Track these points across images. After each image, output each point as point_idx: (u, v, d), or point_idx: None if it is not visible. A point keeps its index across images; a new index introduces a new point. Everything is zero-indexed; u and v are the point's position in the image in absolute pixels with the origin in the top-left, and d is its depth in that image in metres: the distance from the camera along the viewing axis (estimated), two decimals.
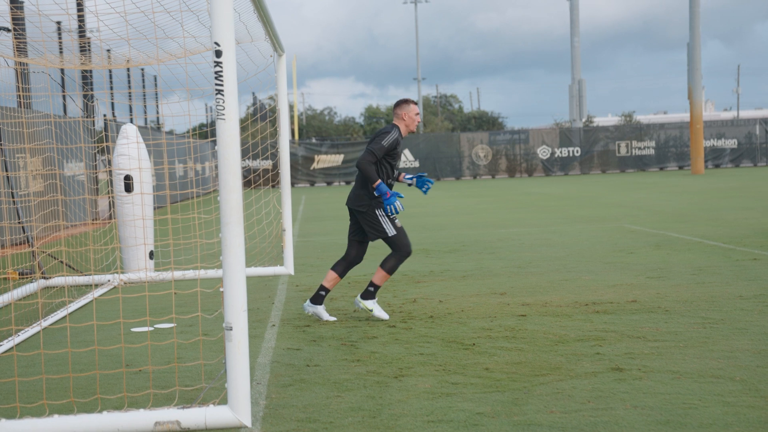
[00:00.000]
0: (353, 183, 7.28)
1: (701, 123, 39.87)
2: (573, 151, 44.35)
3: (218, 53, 4.50)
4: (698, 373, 5.24)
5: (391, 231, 7.21)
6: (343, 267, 7.42)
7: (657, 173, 41.50)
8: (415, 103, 7.43)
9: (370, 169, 7.07)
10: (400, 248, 7.21)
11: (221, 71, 4.51)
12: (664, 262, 10.24)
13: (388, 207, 7.10)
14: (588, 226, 15.40)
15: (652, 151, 44.61)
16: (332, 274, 7.39)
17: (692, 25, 40.03)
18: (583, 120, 51.00)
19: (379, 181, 7.04)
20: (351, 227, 7.46)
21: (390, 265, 7.23)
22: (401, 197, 7.25)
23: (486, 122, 72.12)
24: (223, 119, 4.55)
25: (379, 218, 7.18)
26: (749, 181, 29.25)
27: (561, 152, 44.36)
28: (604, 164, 44.46)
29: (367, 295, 7.32)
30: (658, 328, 6.60)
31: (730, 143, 44.72)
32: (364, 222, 7.23)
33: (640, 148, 44.56)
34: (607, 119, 76.46)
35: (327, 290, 7.41)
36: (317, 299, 7.41)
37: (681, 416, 4.45)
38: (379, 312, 7.32)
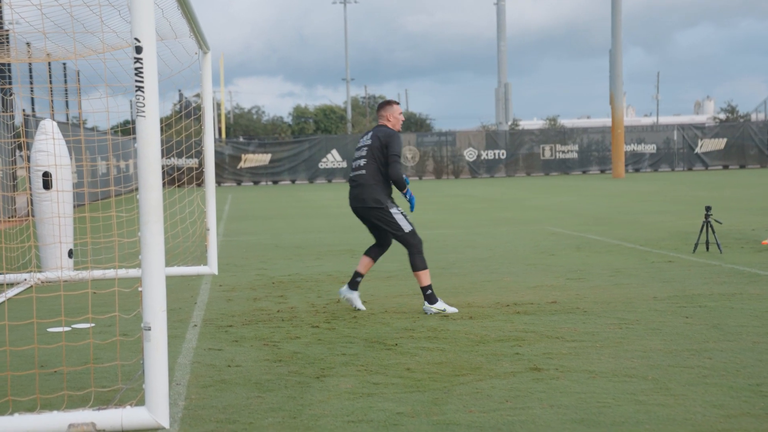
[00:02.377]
0: (355, 186, 7.59)
1: (622, 128, 40.89)
2: (499, 154, 44.97)
3: (138, 49, 4.43)
4: (613, 373, 5.38)
5: (407, 227, 7.47)
6: (376, 252, 7.75)
7: (580, 176, 42.39)
8: (398, 104, 7.73)
9: (402, 177, 7.48)
10: (414, 243, 7.46)
11: (141, 68, 4.44)
12: (584, 264, 10.47)
13: (414, 206, 7.59)
14: (511, 228, 15.64)
15: (575, 155, 45.53)
16: (366, 259, 7.73)
17: (614, 32, 41.00)
18: (509, 123, 51.76)
19: (408, 186, 7.58)
20: (370, 230, 7.76)
21: (419, 262, 7.44)
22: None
23: (414, 124, 72.57)
24: (144, 116, 4.48)
25: (394, 216, 7.45)
26: (667, 185, 30.13)
27: (487, 155, 44.94)
28: (529, 167, 45.21)
29: (430, 299, 7.46)
30: (576, 328, 6.75)
31: (650, 148, 45.97)
32: (380, 220, 7.48)
33: (563, 152, 45.45)
34: (532, 123, 77.78)
35: (361, 275, 7.71)
36: (353, 285, 7.71)
37: (595, 414, 4.56)
38: (448, 307, 7.51)
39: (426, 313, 7.46)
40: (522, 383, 5.18)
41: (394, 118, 7.62)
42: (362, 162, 7.55)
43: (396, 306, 7.96)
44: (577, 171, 45.45)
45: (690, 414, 4.52)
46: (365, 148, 7.55)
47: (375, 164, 7.49)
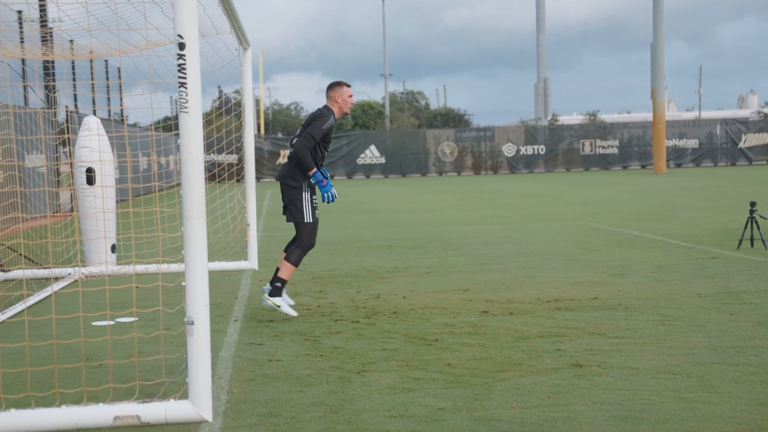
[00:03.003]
0: (284, 163, 7.31)
1: (664, 123, 40.38)
2: (538, 149, 44.67)
3: (181, 46, 4.47)
4: (656, 370, 5.32)
5: (308, 218, 7.14)
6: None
7: (620, 172, 41.96)
8: (349, 86, 7.32)
9: (307, 156, 7.02)
10: (307, 239, 7.13)
11: (184, 64, 4.48)
12: (625, 260, 10.36)
13: (325, 195, 7.10)
14: (551, 223, 15.53)
15: (615, 150, 45.07)
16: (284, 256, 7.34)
17: (656, 25, 40.49)
18: (548, 118, 51.37)
19: (315, 169, 7.03)
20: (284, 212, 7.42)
21: (296, 257, 7.12)
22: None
23: (452, 119, 72.36)
24: (186, 112, 4.52)
25: (303, 201, 7.12)
26: (709, 181, 29.69)
27: (526, 150, 44.66)
28: (569, 162, 44.83)
29: (276, 292, 7.16)
30: (618, 324, 6.68)
31: (692, 143, 45.35)
32: (289, 200, 7.16)
33: (603, 147, 45.01)
34: (572, 118, 77.14)
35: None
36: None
37: (638, 412, 4.51)
38: (287, 309, 7.19)
39: (263, 305, 7.32)
40: (564, 379, 5.15)
41: (342, 100, 7.24)
42: (295, 140, 7.25)
43: (436, 301, 7.95)
44: (617, 166, 44.98)
45: (736, 412, 4.45)
46: (301, 126, 7.32)
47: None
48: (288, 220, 7.20)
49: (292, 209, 7.16)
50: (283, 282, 7.14)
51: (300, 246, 7.12)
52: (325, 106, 7.27)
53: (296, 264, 7.13)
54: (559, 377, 5.20)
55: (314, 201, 7.17)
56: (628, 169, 44.78)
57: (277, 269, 7.21)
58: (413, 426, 4.38)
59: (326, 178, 7.22)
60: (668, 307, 7.35)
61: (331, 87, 7.29)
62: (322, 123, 7.08)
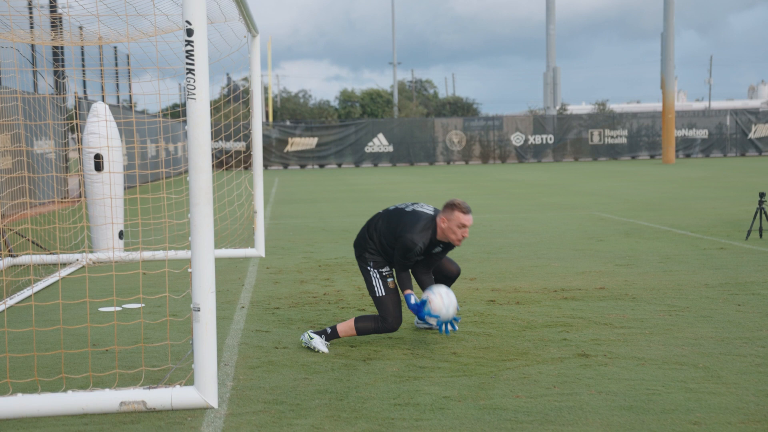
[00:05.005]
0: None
1: (673, 113, 40.19)
2: (546, 139, 44.54)
3: (189, 32, 4.45)
4: (662, 360, 5.30)
5: (379, 291, 5.80)
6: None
7: (629, 162, 41.81)
8: (466, 212, 5.62)
9: (402, 277, 5.74)
10: (384, 316, 5.74)
11: (192, 50, 4.47)
12: (633, 250, 10.33)
13: (441, 327, 5.64)
14: (559, 213, 15.49)
15: (624, 140, 44.90)
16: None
17: (666, 15, 40.26)
18: (557, 108, 51.20)
19: (409, 291, 5.65)
20: None
21: (364, 327, 5.77)
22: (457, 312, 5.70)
23: (460, 108, 72.20)
24: (194, 99, 4.51)
25: (371, 273, 5.84)
26: (719, 171, 29.57)
27: (534, 139, 44.53)
28: (577, 152, 44.70)
29: (322, 332, 5.84)
30: (625, 315, 6.67)
31: (701, 133, 45.14)
32: (360, 270, 6.01)
33: (612, 137, 44.84)
34: (580, 107, 76.85)
35: None
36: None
37: (644, 402, 4.50)
38: (320, 344, 5.77)
39: (301, 340, 5.91)
40: (570, 369, 5.14)
41: (448, 227, 5.64)
42: (379, 217, 5.94)
43: None
44: (626, 156, 44.83)
45: (743, 403, 4.44)
46: (400, 207, 5.90)
47: (386, 234, 5.81)
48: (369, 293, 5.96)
49: (365, 282, 5.94)
50: (335, 334, 5.81)
51: (376, 321, 5.77)
52: (431, 221, 5.71)
53: (359, 333, 5.79)
54: (565, 367, 5.20)
55: (384, 273, 5.83)
56: (637, 159, 44.62)
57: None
58: (418, 414, 4.38)
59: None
60: (675, 297, 7.33)
61: (447, 206, 5.67)
62: (407, 251, 5.62)
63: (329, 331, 5.83)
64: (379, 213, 6.02)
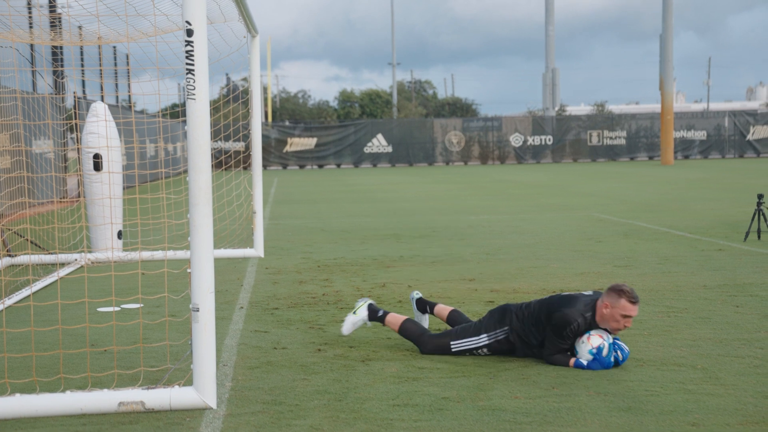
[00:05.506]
0: None
1: (672, 114, 40.21)
2: (545, 140, 44.55)
3: (189, 32, 4.46)
4: (661, 361, 5.31)
5: (455, 347, 5.57)
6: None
7: (627, 163, 41.83)
8: (635, 302, 5.18)
9: (559, 362, 5.29)
10: (425, 345, 5.64)
11: (192, 51, 4.47)
12: (632, 251, 10.33)
13: (609, 362, 5.19)
14: (558, 214, 15.50)
15: (623, 141, 44.92)
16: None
17: (665, 16, 40.28)
18: (556, 109, 51.22)
19: (573, 359, 5.25)
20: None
21: (407, 331, 5.75)
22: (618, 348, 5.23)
23: (460, 109, 72.20)
24: (194, 99, 4.51)
25: (479, 338, 5.54)
26: (717, 173, 29.58)
27: (533, 140, 44.55)
28: (576, 153, 44.71)
29: (373, 311, 5.93)
30: None
31: (700, 135, 45.16)
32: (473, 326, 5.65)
33: (611, 138, 44.86)
34: (579, 108, 76.86)
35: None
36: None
37: (643, 403, 4.50)
38: (350, 322, 5.94)
39: (361, 300, 6.07)
40: (568, 371, 5.14)
41: (610, 315, 5.20)
42: (528, 305, 5.51)
43: (442, 291, 7.95)
44: (624, 157, 44.85)
45: (741, 404, 4.44)
46: (540, 303, 5.47)
47: (529, 320, 5.41)
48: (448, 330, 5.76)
49: (464, 328, 5.65)
50: (383, 317, 5.86)
51: (422, 340, 5.66)
52: (591, 302, 5.30)
53: (399, 332, 5.79)
54: (563, 368, 5.20)
55: (482, 345, 5.52)
56: (636, 160, 44.64)
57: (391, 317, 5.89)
58: (417, 415, 4.39)
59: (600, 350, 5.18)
60: (674, 298, 7.34)
61: (613, 290, 5.23)
62: (564, 328, 5.22)
63: (381, 313, 5.88)
64: (528, 303, 5.56)
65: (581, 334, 5.26)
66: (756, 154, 44.77)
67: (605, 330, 5.25)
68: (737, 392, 4.65)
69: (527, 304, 5.53)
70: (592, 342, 5.17)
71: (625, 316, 5.16)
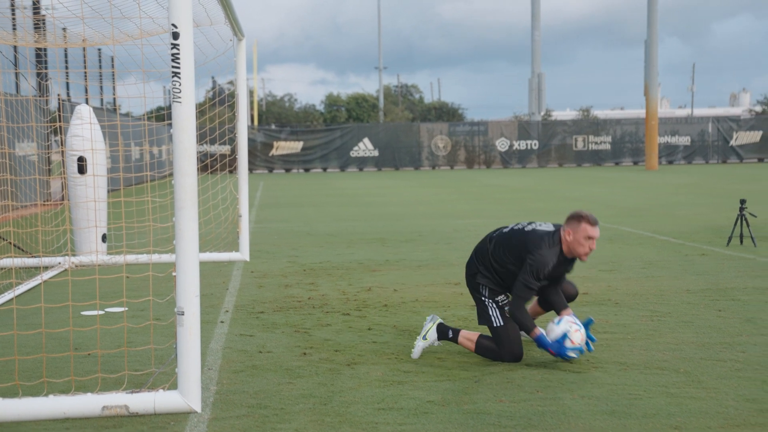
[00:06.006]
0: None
1: (656, 120, 40.44)
2: (531, 144, 44.70)
3: (175, 35, 4.45)
4: (644, 365, 5.34)
5: (497, 321, 5.52)
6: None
7: (612, 168, 42.01)
8: (594, 224, 5.39)
9: (522, 317, 5.38)
10: (502, 345, 5.47)
11: (178, 54, 4.47)
12: (616, 256, 10.39)
13: (567, 357, 5.33)
14: (544, 218, 15.54)
15: (608, 146, 45.13)
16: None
17: (650, 22, 40.53)
18: (542, 114, 51.41)
19: (538, 332, 5.33)
20: None
21: (483, 350, 5.53)
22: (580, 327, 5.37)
23: (446, 113, 72.30)
24: (180, 102, 4.51)
25: (486, 303, 5.61)
26: (701, 178, 29.77)
27: (519, 145, 44.68)
28: (561, 158, 44.89)
29: (443, 332, 5.65)
30: (608, 320, 6.70)
31: (684, 140, 45.44)
32: (475, 302, 5.76)
33: (596, 143, 45.06)
34: (565, 113, 77.15)
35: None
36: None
37: (626, 406, 4.53)
38: (419, 347, 5.64)
39: (426, 321, 5.77)
40: (553, 374, 5.16)
41: (574, 240, 5.38)
42: (497, 233, 5.71)
43: (427, 295, 7.96)
44: (609, 162, 45.05)
45: (722, 407, 4.48)
46: (513, 228, 5.65)
47: (503, 255, 5.57)
48: (479, 323, 5.69)
49: (479, 313, 5.67)
50: (454, 338, 5.63)
51: (496, 350, 5.50)
52: (553, 237, 5.44)
53: (477, 352, 5.56)
54: (548, 371, 5.22)
55: (501, 303, 5.58)
56: (621, 165, 44.85)
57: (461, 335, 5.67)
58: (402, 419, 4.39)
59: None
60: (657, 302, 7.38)
61: (570, 218, 5.48)
62: (540, 269, 5.34)
63: (451, 335, 5.61)
64: (489, 235, 5.73)
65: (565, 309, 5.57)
66: (739, 159, 45.08)
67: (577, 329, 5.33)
68: (719, 395, 4.68)
69: (488, 253, 5.62)
70: (573, 337, 5.29)
71: (589, 238, 5.35)
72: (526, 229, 5.58)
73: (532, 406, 4.54)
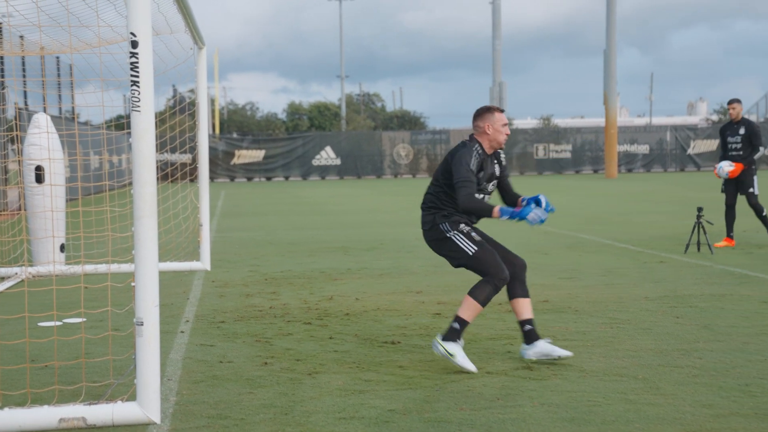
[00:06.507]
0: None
1: (616, 128, 40.98)
2: None
3: (134, 44, 4.42)
4: (603, 372, 5.40)
5: (470, 249, 5.66)
6: (514, 286, 5.84)
7: (573, 176, 42.46)
8: (501, 111, 5.80)
9: (474, 203, 5.61)
10: (488, 270, 5.60)
11: (137, 62, 4.44)
12: (576, 264, 10.49)
13: (529, 219, 5.57)
14: (504, 227, 15.64)
15: (568, 155, 45.60)
16: (514, 302, 5.81)
17: (609, 32, 41.07)
18: None
19: (497, 207, 5.57)
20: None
21: (484, 296, 5.57)
22: (537, 203, 5.74)
23: (408, 122, 72.52)
24: (138, 111, 4.47)
25: (456, 241, 5.73)
26: (659, 186, 30.20)
27: None
28: (523, 166, 45.26)
29: (452, 334, 5.54)
30: (568, 327, 6.77)
31: (643, 149, 46.07)
32: (439, 250, 5.87)
33: (557, 152, 45.51)
34: (526, 122, 77.78)
35: (526, 321, 5.74)
36: (528, 338, 5.71)
37: (585, 413, 4.57)
38: (463, 360, 5.46)
39: (433, 350, 5.64)
40: (513, 381, 5.20)
41: (494, 130, 5.71)
42: (430, 185, 6.00)
43: (389, 303, 7.97)
44: (570, 171, 45.52)
45: (680, 413, 4.54)
46: (440, 165, 5.92)
47: (438, 183, 5.85)
48: (455, 266, 5.89)
49: (451, 255, 5.81)
50: (464, 324, 5.57)
51: (489, 282, 5.58)
52: (471, 138, 5.80)
53: (483, 303, 5.58)
54: (508, 379, 5.26)
55: (465, 230, 5.74)
56: (581, 173, 45.34)
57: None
58: (363, 428, 4.39)
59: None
60: (616, 310, 7.47)
61: (479, 114, 5.78)
62: (462, 159, 5.61)
63: (458, 326, 5.52)
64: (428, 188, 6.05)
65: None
66: (696, 167, 45.81)
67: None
68: (676, 402, 4.75)
69: (432, 189, 5.91)
70: (536, 210, 5.62)
71: (504, 125, 5.77)
72: (449, 155, 5.95)
73: (492, 414, 4.57)
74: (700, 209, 11.45)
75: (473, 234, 5.74)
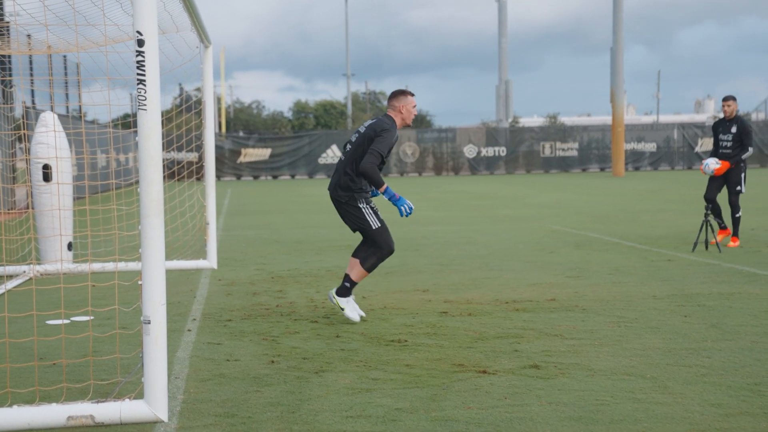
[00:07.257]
0: (333, 173, 6.98)
1: (622, 126, 40.87)
2: (499, 151, 44.95)
3: (140, 42, 4.42)
4: (611, 371, 5.38)
5: (374, 223, 6.84)
6: (364, 250, 7.01)
7: (579, 174, 42.38)
8: (413, 95, 6.86)
9: (376, 173, 6.62)
10: (381, 245, 6.84)
11: (143, 61, 4.44)
12: (583, 262, 10.47)
13: (402, 209, 6.71)
14: (511, 225, 15.64)
15: (575, 153, 45.51)
16: (353, 261, 7.00)
17: (615, 29, 40.98)
18: (510, 120, 51.74)
19: (386, 185, 6.63)
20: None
21: (370, 263, 6.86)
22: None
23: (414, 120, 72.58)
24: (145, 110, 4.47)
25: (362, 210, 6.82)
26: (666, 184, 30.12)
27: (487, 152, 44.91)
28: (529, 164, 45.19)
29: (343, 291, 6.92)
30: (575, 326, 6.75)
31: (650, 147, 45.96)
32: (345, 213, 6.88)
33: (563, 150, 45.43)
34: (532, 120, 77.75)
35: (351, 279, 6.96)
36: (343, 291, 6.96)
37: (593, 412, 4.56)
38: (351, 312, 6.92)
39: (328, 299, 7.02)
40: (521, 380, 5.19)
41: (407, 111, 6.82)
42: (348, 147, 6.88)
43: (395, 302, 7.96)
44: (576, 169, 45.44)
45: (688, 413, 4.53)
46: (356, 135, 6.88)
47: (358, 154, 6.77)
48: (354, 230, 6.96)
49: (354, 220, 6.88)
50: (353, 284, 6.90)
51: (377, 253, 6.85)
52: (388, 116, 6.84)
53: (369, 270, 6.89)
54: (516, 378, 5.25)
55: (373, 206, 6.90)
56: (588, 171, 45.26)
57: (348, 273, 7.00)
58: (370, 426, 4.39)
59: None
60: (624, 308, 7.45)
61: (395, 96, 6.86)
62: (389, 138, 6.67)
63: (348, 285, 6.85)
64: (339, 160, 6.93)
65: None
66: None
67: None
68: (684, 401, 4.73)
69: (345, 164, 6.83)
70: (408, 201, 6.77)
71: (414, 106, 6.83)
72: (360, 130, 6.85)
73: (499, 413, 4.56)
74: (707, 207, 11.41)
75: (379, 213, 6.90)
